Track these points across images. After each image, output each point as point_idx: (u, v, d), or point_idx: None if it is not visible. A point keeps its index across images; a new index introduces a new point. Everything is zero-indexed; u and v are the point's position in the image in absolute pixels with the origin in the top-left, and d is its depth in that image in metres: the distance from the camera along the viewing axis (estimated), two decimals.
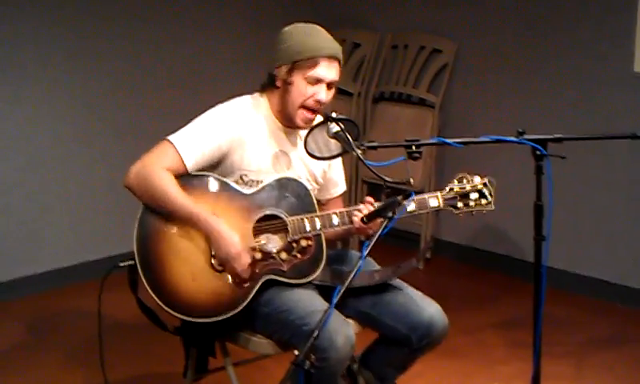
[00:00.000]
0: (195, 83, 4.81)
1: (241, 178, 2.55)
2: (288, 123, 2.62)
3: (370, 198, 2.58)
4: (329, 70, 2.54)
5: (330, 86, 2.57)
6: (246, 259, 2.42)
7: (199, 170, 2.50)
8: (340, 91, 5.19)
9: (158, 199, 2.41)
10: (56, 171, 4.44)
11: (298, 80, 2.53)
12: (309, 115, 2.56)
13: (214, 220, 2.42)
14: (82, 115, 4.51)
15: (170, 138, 2.49)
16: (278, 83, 2.56)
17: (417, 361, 2.65)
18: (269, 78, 2.60)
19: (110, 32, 4.55)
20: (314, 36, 2.55)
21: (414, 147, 2.34)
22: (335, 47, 2.56)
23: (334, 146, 2.49)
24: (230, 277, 2.44)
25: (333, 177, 2.78)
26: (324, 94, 2.55)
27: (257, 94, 2.65)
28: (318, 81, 2.54)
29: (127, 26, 4.62)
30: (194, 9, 4.90)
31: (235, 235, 2.42)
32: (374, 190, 4.86)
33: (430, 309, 2.54)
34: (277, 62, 2.55)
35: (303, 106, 2.55)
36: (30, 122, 4.32)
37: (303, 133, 2.59)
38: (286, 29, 2.58)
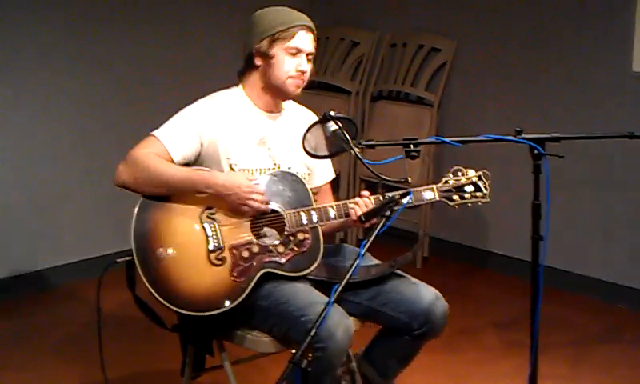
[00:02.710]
0: (195, 85, 4.71)
1: (230, 167, 2.57)
2: (274, 98, 2.66)
3: (366, 192, 2.61)
4: (306, 41, 2.61)
5: (308, 56, 2.63)
6: (255, 191, 2.47)
7: (186, 162, 2.53)
8: (338, 90, 5.20)
9: (150, 177, 2.44)
10: (55, 171, 4.44)
11: (279, 52, 2.58)
12: (298, 82, 2.61)
13: (211, 175, 2.48)
14: (81, 116, 4.51)
15: (155, 132, 2.54)
16: (258, 61, 2.61)
17: (419, 350, 2.66)
18: (247, 59, 2.64)
19: (109, 34, 4.55)
20: (287, 11, 2.63)
21: (411, 146, 2.35)
22: (308, 19, 2.64)
23: (332, 144, 2.49)
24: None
25: (319, 164, 2.78)
26: (306, 65, 2.62)
27: (233, 87, 2.69)
28: (298, 51, 2.59)
29: (127, 28, 4.63)
30: (194, 11, 4.91)
31: (236, 176, 2.48)
32: (372, 188, 4.86)
33: (428, 295, 2.56)
34: (255, 40, 2.59)
35: (289, 77, 2.59)
36: (30, 123, 4.32)
37: (285, 117, 2.66)
38: (258, 12, 2.65)
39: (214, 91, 2.71)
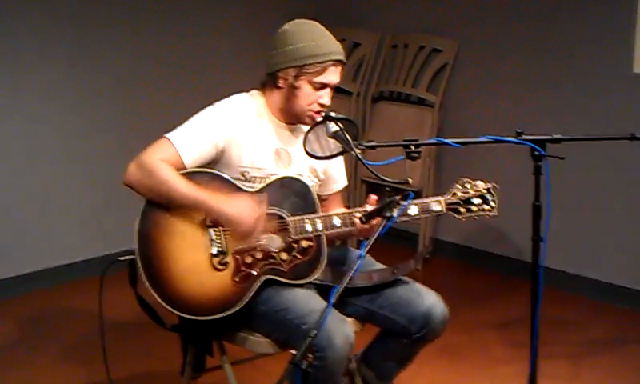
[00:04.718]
0: (197, 81, 4.81)
1: (242, 174, 2.55)
2: (290, 121, 2.62)
3: (374, 197, 2.56)
4: (335, 75, 2.55)
5: (332, 88, 2.58)
6: (260, 228, 2.43)
7: (198, 166, 2.50)
8: (339, 90, 5.18)
9: (160, 189, 2.41)
10: (56, 168, 4.44)
11: (304, 85, 2.52)
12: (315, 116, 2.55)
13: (216, 200, 2.42)
14: (82, 112, 4.50)
15: (168, 135, 2.49)
16: (282, 85, 2.55)
17: (417, 354, 2.65)
18: (271, 77, 2.58)
19: (111, 30, 4.55)
20: (320, 39, 2.53)
21: (412, 147, 2.35)
22: (341, 50, 2.57)
23: (333, 145, 2.50)
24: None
25: (334, 173, 2.77)
26: (328, 98, 2.56)
27: (254, 92, 2.64)
28: (324, 86, 2.53)
29: (128, 23, 4.62)
30: (195, 6, 4.90)
31: (243, 208, 2.41)
32: (373, 189, 4.85)
33: (428, 299, 2.55)
34: (282, 65, 2.52)
35: (309, 110, 2.55)
36: (30, 118, 4.32)
37: (304, 128, 2.59)
38: (288, 28, 2.56)
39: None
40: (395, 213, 2.26)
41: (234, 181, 2.52)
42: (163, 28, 4.77)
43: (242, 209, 2.42)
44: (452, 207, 2.58)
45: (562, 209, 3.93)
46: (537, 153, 2.36)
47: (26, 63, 4.27)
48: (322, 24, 2.60)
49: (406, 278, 2.63)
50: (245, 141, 2.55)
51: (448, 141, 2.41)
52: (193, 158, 2.48)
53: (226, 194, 2.46)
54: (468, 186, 2.59)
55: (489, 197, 2.59)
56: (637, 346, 3.87)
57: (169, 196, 2.41)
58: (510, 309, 4.24)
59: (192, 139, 2.48)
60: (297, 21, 2.59)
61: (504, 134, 2.43)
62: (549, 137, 2.39)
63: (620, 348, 3.84)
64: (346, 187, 2.85)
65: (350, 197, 5.06)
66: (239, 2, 5.13)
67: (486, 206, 2.59)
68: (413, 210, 2.52)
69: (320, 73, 2.51)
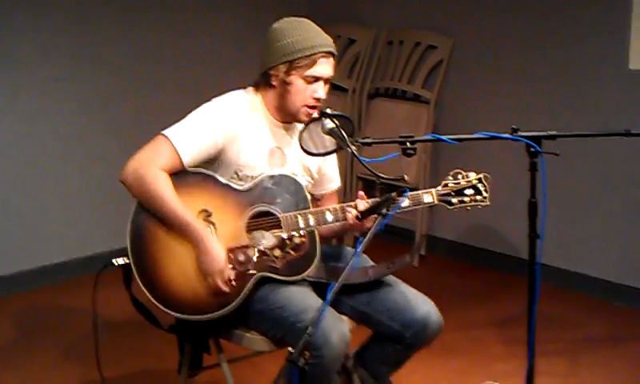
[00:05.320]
0: (197, 81, 4.80)
1: (235, 173, 2.54)
2: (286, 119, 2.61)
3: (361, 193, 2.57)
4: (327, 67, 2.54)
5: (326, 81, 2.57)
6: (227, 275, 2.41)
7: (196, 165, 2.49)
8: (335, 87, 5.19)
9: (150, 201, 2.40)
10: (53, 168, 4.44)
11: (296, 80, 2.51)
12: (311, 111, 2.55)
13: (203, 231, 2.41)
14: (81, 114, 4.50)
15: (166, 132, 2.47)
16: (275, 82, 2.54)
17: (410, 358, 2.65)
18: (263, 76, 2.58)
19: (109, 29, 4.55)
20: (308, 32, 2.53)
21: (408, 143, 2.34)
22: (330, 42, 2.56)
23: (329, 141, 2.49)
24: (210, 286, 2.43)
25: (328, 172, 2.77)
26: (322, 92, 2.55)
27: (250, 89, 2.63)
28: (316, 79, 2.53)
29: (128, 23, 4.62)
30: (195, 6, 4.90)
31: (221, 250, 2.42)
32: (369, 186, 4.87)
33: (424, 307, 2.55)
34: (272, 62, 2.52)
35: (304, 105, 2.54)
36: (28, 118, 4.32)
37: (299, 127, 2.59)
38: (277, 26, 2.56)
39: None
40: (390, 210, 2.26)
41: (226, 182, 2.51)
42: (163, 28, 4.77)
43: (217, 249, 2.41)
44: (444, 198, 2.58)
45: (558, 205, 3.95)
46: (532, 149, 2.35)
47: (25, 63, 4.27)
48: (317, 21, 2.59)
49: (402, 284, 2.63)
50: (242, 137, 2.54)
51: (443, 137, 2.40)
52: (192, 156, 2.46)
53: (218, 202, 2.46)
54: (460, 176, 2.61)
55: (480, 187, 2.60)
56: (633, 343, 3.87)
57: (157, 208, 2.40)
58: (507, 306, 4.25)
59: (191, 137, 2.47)
60: (285, 18, 2.58)
61: (500, 131, 2.42)
62: (544, 133, 2.39)
63: (617, 345, 3.84)
64: (340, 188, 2.85)
65: (346, 194, 5.06)
66: (238, 2, 5.12)
67: (478, 197, 2.60)
68: (404, 202, 2.51)
69: (310, 66, 2.50)
